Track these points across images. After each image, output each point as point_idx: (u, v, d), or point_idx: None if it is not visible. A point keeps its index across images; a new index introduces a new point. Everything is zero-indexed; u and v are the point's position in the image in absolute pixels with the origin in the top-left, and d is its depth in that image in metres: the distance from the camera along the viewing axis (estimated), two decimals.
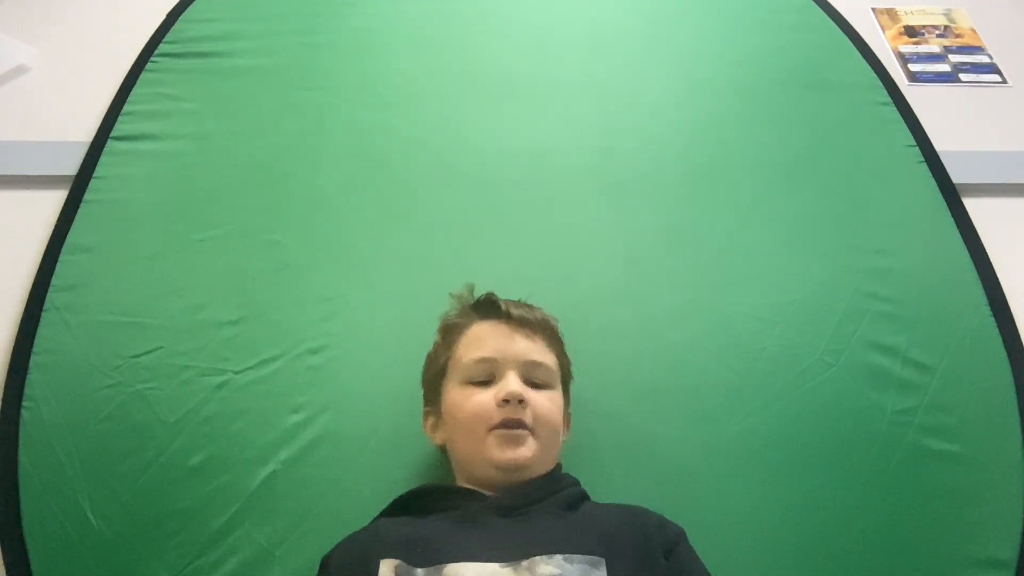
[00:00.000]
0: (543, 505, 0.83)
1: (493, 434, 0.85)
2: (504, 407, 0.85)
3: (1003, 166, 1.40)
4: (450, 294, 0.99)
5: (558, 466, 0.92)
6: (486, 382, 0.89)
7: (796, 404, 1.09)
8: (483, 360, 0.89)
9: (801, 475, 1.04)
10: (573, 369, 0.99)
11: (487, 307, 0.95)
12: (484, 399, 0.87)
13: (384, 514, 0.89)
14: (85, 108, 1.37)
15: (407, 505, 0.88)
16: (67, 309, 1.14)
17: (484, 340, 0.91)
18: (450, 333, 0.95)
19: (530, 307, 0.96)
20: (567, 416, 0.97)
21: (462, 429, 0.88)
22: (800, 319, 1.17)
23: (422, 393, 0.98)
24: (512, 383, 0.87)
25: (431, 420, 0.95)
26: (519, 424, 0.85)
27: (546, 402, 0.89)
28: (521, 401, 0.86)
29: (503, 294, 0.97)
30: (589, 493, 0.91)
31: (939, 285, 1.21)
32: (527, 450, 0.85)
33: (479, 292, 0.98)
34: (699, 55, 1.51)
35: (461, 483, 0.90)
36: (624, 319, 1.16)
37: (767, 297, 1.19)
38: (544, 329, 0.94)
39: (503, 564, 0.74)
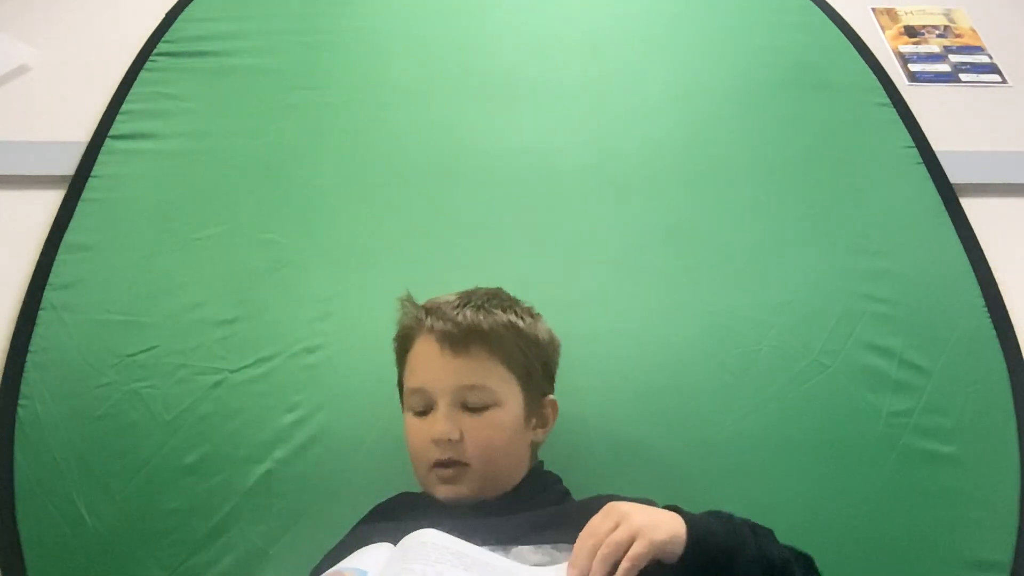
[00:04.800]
0: (524, 509, 0.81)
1: (432, 472, 0.84)
2: (437, 445, 0.83)
3: (1002, 166, 1.39)
4: (397, 298, 0.94)
5: (536, 467, 0.91)
6: (424, 412, 0.86)
7: (792, 405, 1.09)
8: (415, 391, 0.86)
9: (796, 476, 1.04)
10: (571, 369, 0.99)
11: (417, 320, 0.89)
12: (421, 434, 0.85)
13: (363, 522, 0.88)
14: (84, 107, 1.37)
15: (386, 513, 0.88)
16: (64, 307, 1.14)
17: (417, 366, 0.88)
18: (400, 348, 0.92)
19: (477, 308, 0.88)
20: (549, 407, 0.93)
21: (411, 461, 0.88)
22: (796, 320, 1.16)
23: None
24: (439, 423, 0.83)
25: None
26: (453, 463, 0.83)
27: (484, 429, 0.84)
28: (451, 440, 0.82)
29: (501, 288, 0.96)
30: (582, 494, 0.89)
31: (936, 286, 1.21)
32: (465, 487, 0.83)
33: (475, 287, 0.96)
34: (698, 55, 1.51)
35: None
36: (621, 319, 1.16)
37: (763, 298, 1.19)
38: (478, 339, 0.86)
39: (491, 548, 0.72)
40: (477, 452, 0.83)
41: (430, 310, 0.89)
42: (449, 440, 0.82)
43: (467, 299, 0.90)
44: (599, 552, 0.66)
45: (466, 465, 0.83)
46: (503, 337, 0.87)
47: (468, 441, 0.83)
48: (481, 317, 0.87)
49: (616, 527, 0.68)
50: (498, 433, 0.85)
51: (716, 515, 0.75)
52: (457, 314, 0.87)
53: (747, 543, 0.71)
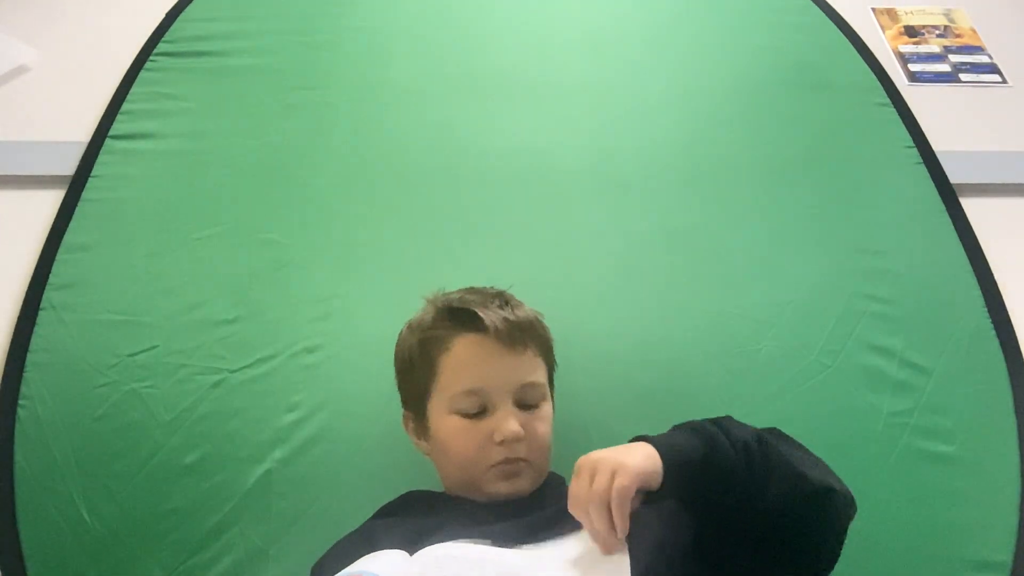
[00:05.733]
0: (536, 510, 0.81)
1: (495, 469, 0.83)
2: (502, 445, 0.82)
3: (1002, 166, 1.40)
4: (424, 298, 0.93)
5: (551, 475, 0.91)
6: (478, 413, 0.83)
7: (792, 405, 1.09)
8: (472, 392, 0.83)
9: None
10: (569, 369, 0.99)
11: (467, 318, 0.85)
12: (479, 436, 0.83)
13: (373, 519, 0.88)
14: (84, 108, 1.37)
15: (396, 511, 0.88)
16: (64, 308, 1.14)
17: (470, 366, 0.84)
18: (430, 348, 0.87)
19: (511, 305, 0.88)
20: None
21: (457, 463, 0.85)
22: (796, 320, 1.17)
23: (400, 396, 0.95)
24: (510, 423, 0.82)
25: (412, 425, 0.92)
26: (518, 460, 0.83)
27: (541, 426, 0.85)
28: (519, 439, 0.82)
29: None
30: None
31: (936, 286, 1.21)
32: (525, 481, 0.84)
33: (478, 286, 0.95)
34: (698, 55, 1.51)
35: (450, 491, 0.89)
36: (621, 319, 1.16)
37: (764, 297, 1.19)
38: (531, 334, 0.87)
39: (511, 547, 0.72)
40: (536, 448, 0.84)
41: (473, 306, 0.85)
42: (518, 439, 0.82)
43: (490, 296, 0.89)
44: (589, 508, 0.66)
45: (527, 462, 0.84)
46: (540, 331, 0.90)
47: (528, 438, 0.84)
48: (527, 313, 0.89)
49: (593, 477, 0.67)
50: (548, 428, 0.87)
51: (677, 428, 0.75)
52: (506, 312, 0.86)
53: (717, 439, 0.70)
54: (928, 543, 1.00)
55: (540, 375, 0.88)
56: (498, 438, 0.82)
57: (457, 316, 0.87)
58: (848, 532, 0.77)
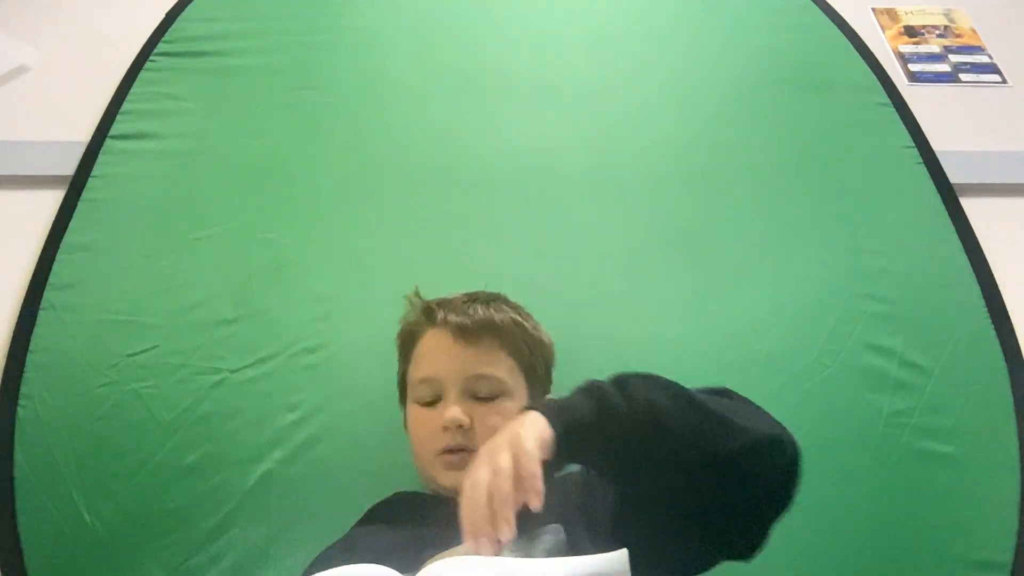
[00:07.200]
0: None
1: (439, 458, 0.84)
2: (447, 432, 0.84)
3: (1002, 166, 1.40)
4: (405, 296, 0.98)
5: None
6: (432, 402, 0.87)
7: (792, 405, 1.09)
8: (425, 380, 0.88)
9: None
10: (569, 369, 0.99)
11: (428, 314, 0.92)
12: (429, 423, 0.86)
13: (360, 524, 0.88)
14: (84, 108, 1.37)
15: (383, 515, 0.88)
16: (64, 308, 1.14)
17: (427, 356, 0.90)
18: (405, 343, 0.95)
19: (484, 305, 0.91)
20: None
21: (415, 450, 0.89)
22: (796, 320, 1.17)
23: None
24: (451, 409, 0.84)
25: (403, 420, 0.94)
26: (462, 448, 0.83)
27: (492, 417, 0.84)
28: (461, 426, 0.83)
29: (501, 293, 0.96)
30: None
31: (936, 286, 1.21)
32: None
33: (477, 290, 0.97)
34: (698, 56, 1.51)
35: (429, 489, 0.89)
36: (620, 319, 1.16)
37: (764, 298, 1.19)
38: (489, 331, 0.89)
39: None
40: (485, 439, 0.82)
41: (441, 304, 0.92)
42: (460, 426, 0.83)
43: (474, 297, 0.94)
44: (493, 500, 0.60)
45: (474, 452, 0.82)
46: (512, 331, 0.91)
47: (477, 428, 0.84)
48: (492, 312, 0.91)
49: (493, 466, 0.62)
50: (506, 422, 0.84)
51: (582, 387, 0.69)
52: (468, 308, 0.90)
53: (609, 396, 0.66)
54: (928, 543, 1.00)
55: (498, 370, 0.88)
56: (440, 423, 0.84)
57: (424, 312, 0.93)
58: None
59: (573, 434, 0.65)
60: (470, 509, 0.61)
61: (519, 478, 0.60)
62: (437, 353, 0.89)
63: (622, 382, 0.69)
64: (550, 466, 0.64)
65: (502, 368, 0.88)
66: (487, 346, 0.88)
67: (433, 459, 0.85)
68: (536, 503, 0.60)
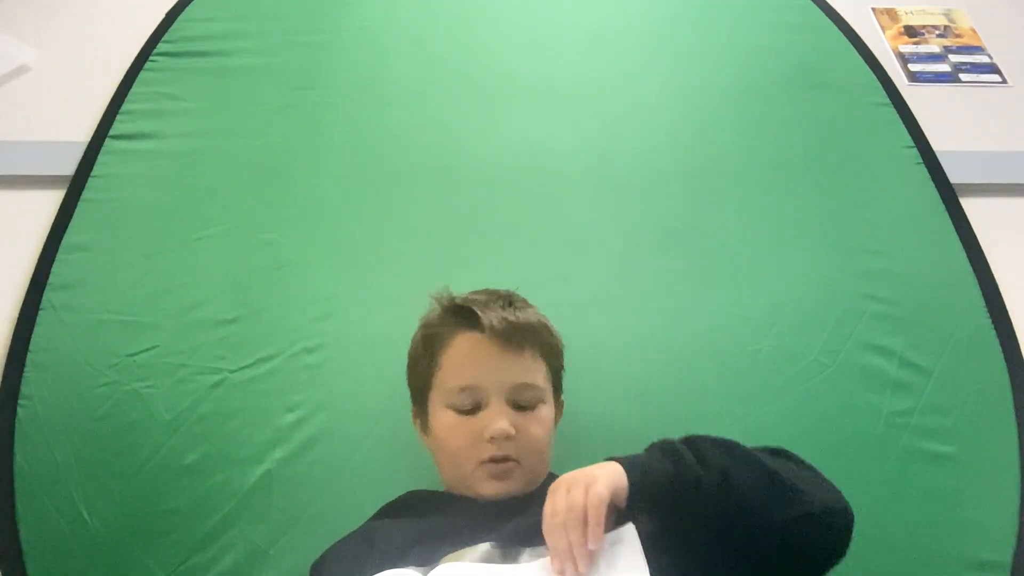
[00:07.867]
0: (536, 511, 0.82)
1: (483, 468, 0.83)
2: (491, 442, 0.83)
3: (1002, 166, 1.40)
4: (429, 295, 0.94)
5: (550, 476, 0.90)
6: (471, 410, 0.85)
7: (792, 405, 1.09)
8: (466, 388, 0.85)
9: None
10: (569, 369, 0.99)
11: (467, 316, 0.87)
12: (471, 432, 0.83)
13: (374, 518, 0.88)
14: (84, 107, 1.37)
15: (397, 511, 0.88)
16: (64, 308, 1.14)
17: (467, 363, 0.86)
18: (433, 344, 0.89)
19: (514, 307, 0.89)
20: (559, 407, 0.95)
21: (449, 457, 0.86)
22: (796, 320, 1.17)
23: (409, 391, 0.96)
24: (499, 421, 0.82)
25: (419, 421, 0.93)
26: (506, 459, 0.83)
27: (534, 428, 0.85)
28: (509, 437, 0.83)
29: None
30: None
31: (936, 286, 1.21)
32: (514, 483, 0.83)
33: (478, 289, 0.95)
34: (698, 55, 1.51)
35: (449, 489, 0.89)
36: (620, 319, 1.16)
37: (763, 298, 1.19)
38: (531, 336, 0.88)
39: (514, 549, 0.73)
40: (527, 449, 0.84)
41: (474, 304, 0.87)
42: (507, 437, 0.82)
43: (496, 297, 0.91)
44: (563, 523, 0.66)
45: (517, 462, 0.83)
46: (545, 335, 0.90)
47: (519, 438, 0.83)
48: (529, 315, 0.89)
49: (568, 492, 0.68)
50: (544, 430, 0.86)
51: (658, 446, 0.74)
52: (507, 312, 0.87)
53: (685, 459, 0.70)
54: (927, 543, 1.00)
55: (538, 378, 0.88)
56: (487, 435, 0.82)
57: (458, 314, 0.88)
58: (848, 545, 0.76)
59: (647, 491, 0.68)
60: (555, 536, 0.67)
61: (588, 508, 0.65)
62: (478, 361, 0.86)
63: (695, 445, 0.72)
64: (621, 516, 0.68)
65: (540, 376, 0.88)
66: (529, 354, 0.87)
67: (475, 468, 0.83)
68: (595, 535, 0.65)
